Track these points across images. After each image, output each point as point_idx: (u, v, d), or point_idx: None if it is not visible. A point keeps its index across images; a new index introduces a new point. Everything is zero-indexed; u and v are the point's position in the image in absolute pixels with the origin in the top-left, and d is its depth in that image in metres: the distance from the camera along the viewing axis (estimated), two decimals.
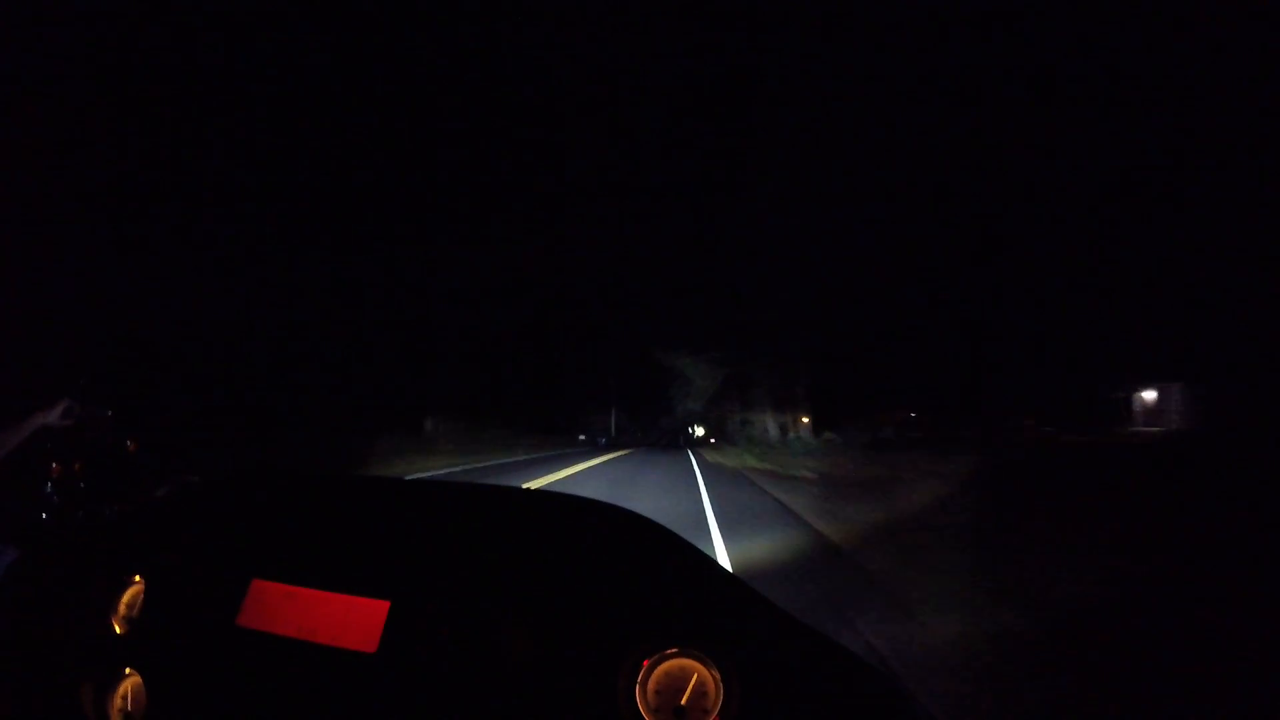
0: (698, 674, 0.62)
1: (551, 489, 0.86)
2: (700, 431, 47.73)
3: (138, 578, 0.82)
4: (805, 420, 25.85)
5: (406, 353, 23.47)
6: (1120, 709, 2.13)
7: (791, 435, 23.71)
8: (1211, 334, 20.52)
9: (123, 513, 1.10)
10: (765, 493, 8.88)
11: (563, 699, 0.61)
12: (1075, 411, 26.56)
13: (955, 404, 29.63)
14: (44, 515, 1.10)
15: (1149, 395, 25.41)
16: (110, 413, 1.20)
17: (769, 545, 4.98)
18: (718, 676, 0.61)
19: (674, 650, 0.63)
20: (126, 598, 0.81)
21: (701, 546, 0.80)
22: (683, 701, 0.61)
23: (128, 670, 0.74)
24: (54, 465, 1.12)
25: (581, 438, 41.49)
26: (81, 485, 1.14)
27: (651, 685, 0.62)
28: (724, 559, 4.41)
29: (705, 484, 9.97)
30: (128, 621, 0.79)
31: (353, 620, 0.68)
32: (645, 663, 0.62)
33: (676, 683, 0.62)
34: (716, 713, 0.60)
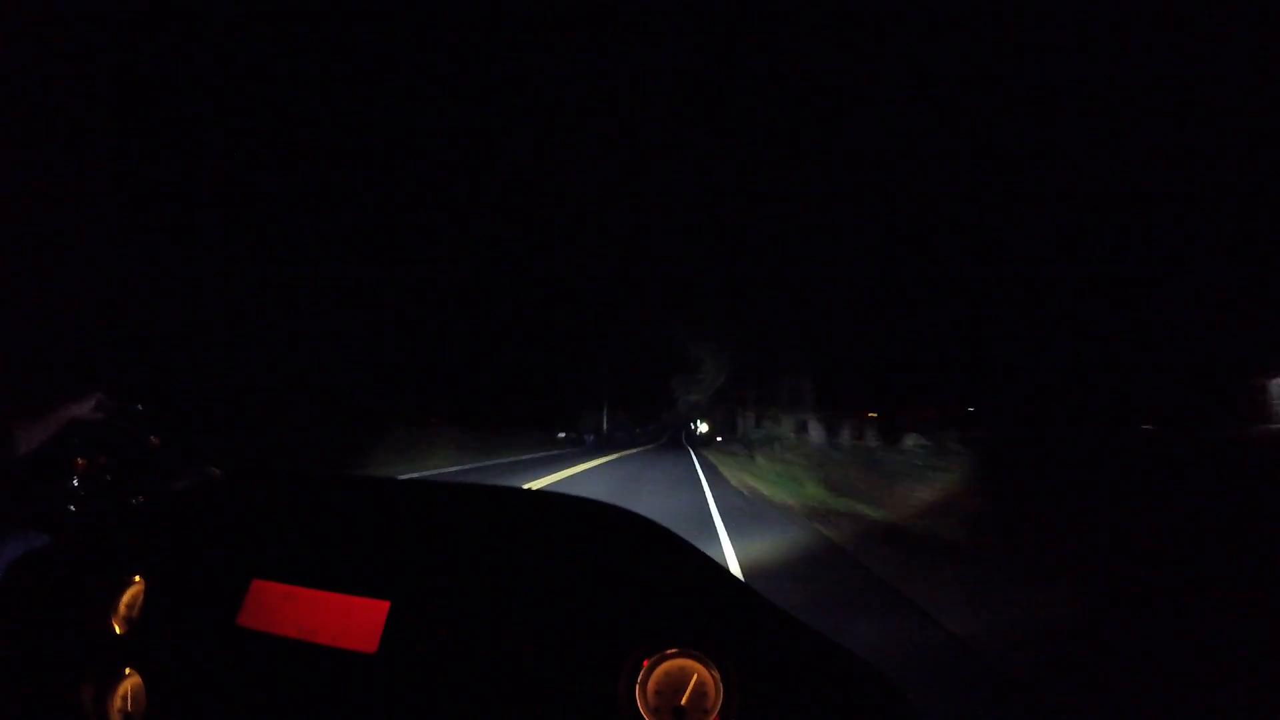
0: (698, 674, 0.62)
1: None
2: (704, 428, 43.80)
3: (138, 578, 0.82)
4: (871, 416, 20.09)
5: (394, 351, 22.53)
6: None
7: (848, 439, 16.65)
8: None
9: (144, 505, 1.13)
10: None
11: (563, 699, 0.61)
12: (1198, 404, 20.18)
13: (1026, 395, 23.01)
14: (70, 507, 1.11)
15: None
16: (140, 407, 1.21)
17: None
18: (718, 677, 0.61)
19: (674, 650, 0.63)
20: (126, 598, 0.81)
21: None
22: (683, 702, 0.61)
23: (128, 670, 0.74)
24: (79, 458, 1.13)
25: (562, 435, 34.92)
26: (107, 478, 1.15)
27: (651, 685, 0.62)
28: None
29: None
30: (128, 621, 0.79)
31: (353, 620, 0.68)
32: (645, 663, 0.62)
33: (676, 683, 0.62)
34: (716, 713, 0.60)
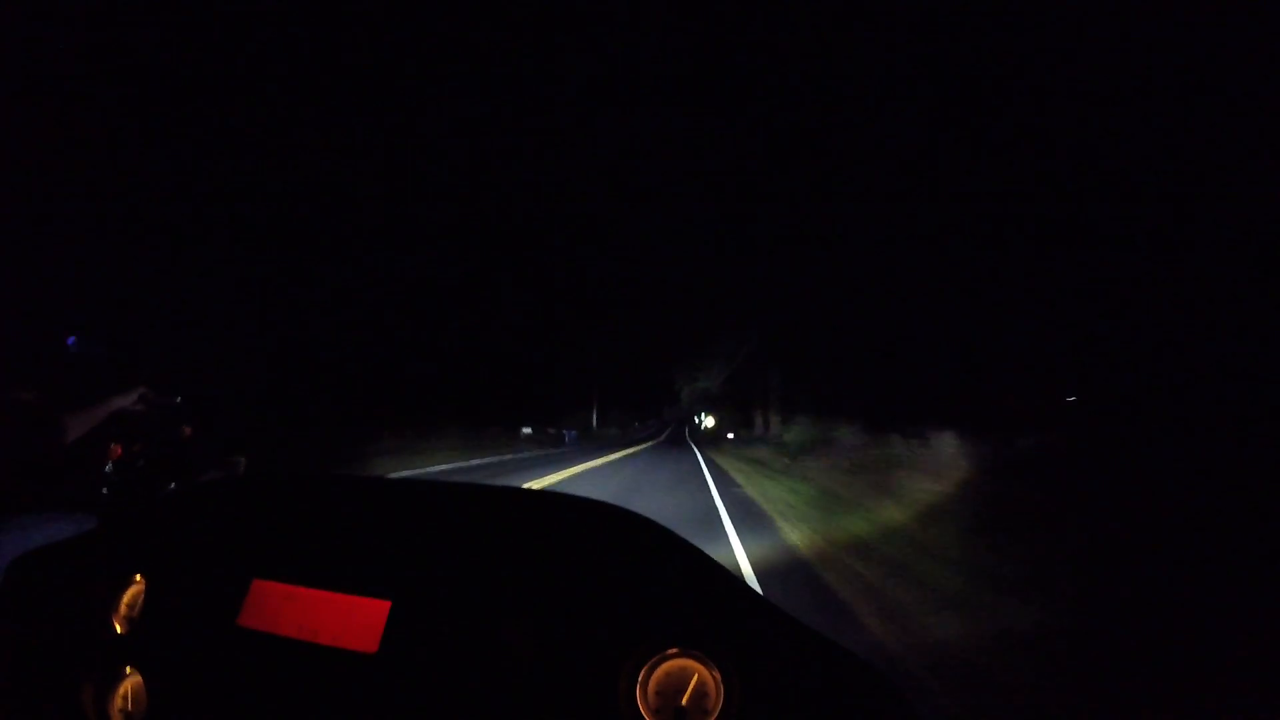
0: (698, 675, 0.62)
1: None
2: (710, 422, 38.78)
3: (138, 577, 0.82)
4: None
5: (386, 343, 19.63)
6: None
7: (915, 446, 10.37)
8: None
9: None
10: None
11: (563, 699, 0.61)
12: None
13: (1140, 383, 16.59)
14: (105, 490, 1.16)
15: None
16: (179, 399, 1.26)
17: None
18: (718, 677, 0.61)
19: (674, 651, 0.63)
20: (127, 598, 0.81)
21: None
22: (683, 702, 0.61)
23: (128, 670, 0.74)
24: (116, 446, 1.19)
25: (527, 432, 26.19)
26: (139, 464, 1.21)
27: (652, 686, 0.62)
28: None
29: None
30: (128, 621, 0.79)
31: (353, 620, 0.68)
32: (646, 663, 0.62)
33: (677, 683, 0.62)
34: (717, 713, 0.60)
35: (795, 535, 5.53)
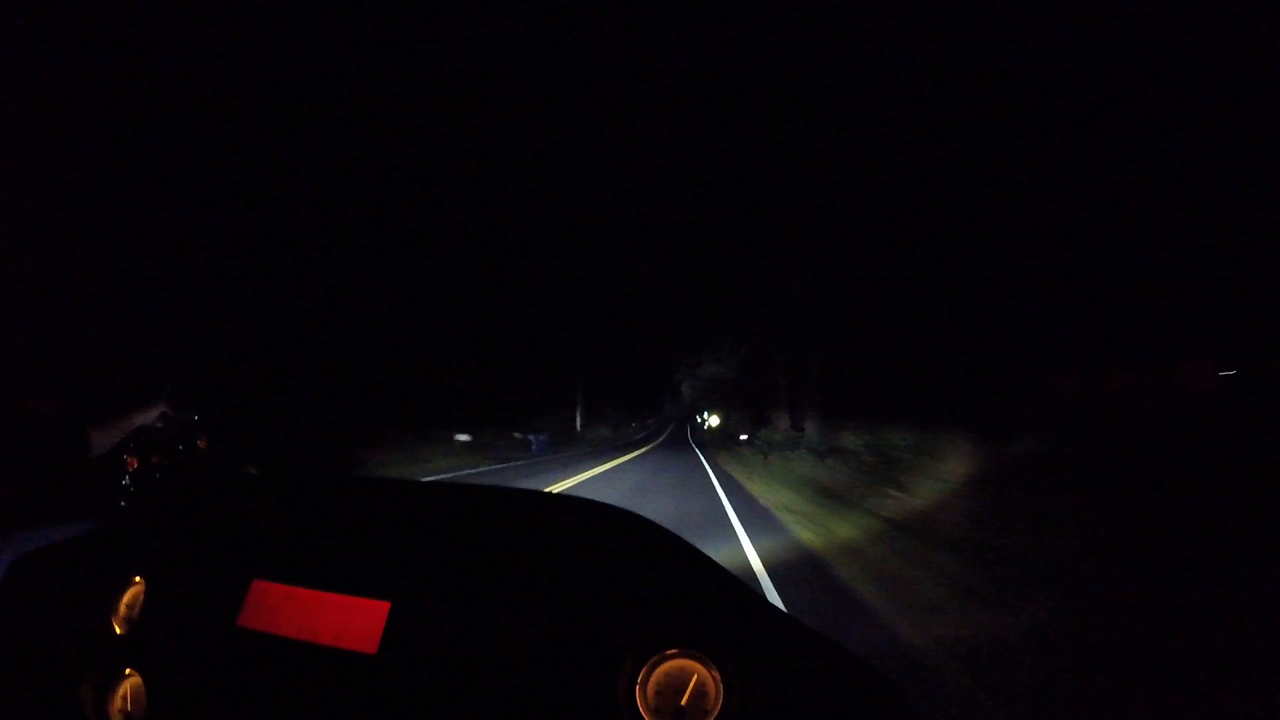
0: (698, 675, 0.62)
1: None
2: (715, 421, 33.57)
3: (138, 578, 0.82)
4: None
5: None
6: None
7: None
8: None
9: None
10: None
11: (563, 700, 0.61)
12: None
13: None
14: (121, 503, 1.20)
15: None
16: (196, 417, 1.33)
17: None
18: (718, 677, 0.61)
19: (674, 651, 0.63)
20: (127, 598, 0.81)
21: None
22: (683, 702, 0.61)
23: (128, 670, 0.74)
24: (131, 458, 1.23)
25: (464, 439, 18.52)
26: (156, 476, 1.25)
27: (652, 686, 0.62)
28: None
29: None
30: (128, 621, 0.79)
31: (353, 621, 0.68)
32: (646, 663, 0.62)
33: (676, 683, 0.62)
34: (716, 713, 0.60)
35: None
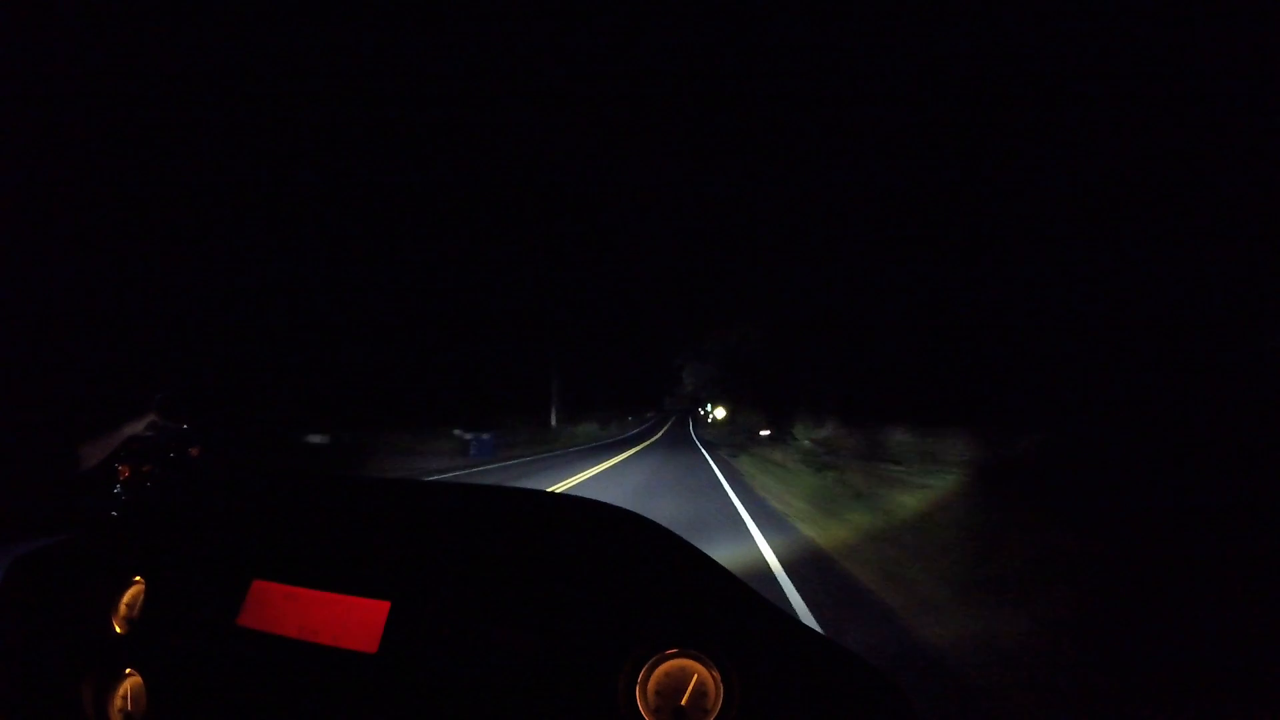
0: (698, 674, 0.62)
1: None
2: (720, 414, 30.43)
3: (138, 578, 0.82)
4: None
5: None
6: None
7: None
8: None
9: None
10: None
11: (563, 699, 0.61)
12: None
13: None
14: (113, 513, 1.20)
15: None
16: (186, 426, 1.32)
17: None
18: (718, 677, 0.61)
19: (674, 651, 0.63)
20: (127, 598, 0.81)
21: None
22: (683, 702, 0.61)
23: (128, 670, 0.74)
24: (123, 468, 1.22)
25: (316, 438, 12.49)
26: (148, 485, 1.24)
27: (651, 686, 0.62)
28: None
29: None
30: (128, 621, 0.79)
31: (353, 621, 0.68)
32: (645, 663, 0.62)
33: (676, 683, 0.62)
34: (716, 713, 0.60)
35: None
